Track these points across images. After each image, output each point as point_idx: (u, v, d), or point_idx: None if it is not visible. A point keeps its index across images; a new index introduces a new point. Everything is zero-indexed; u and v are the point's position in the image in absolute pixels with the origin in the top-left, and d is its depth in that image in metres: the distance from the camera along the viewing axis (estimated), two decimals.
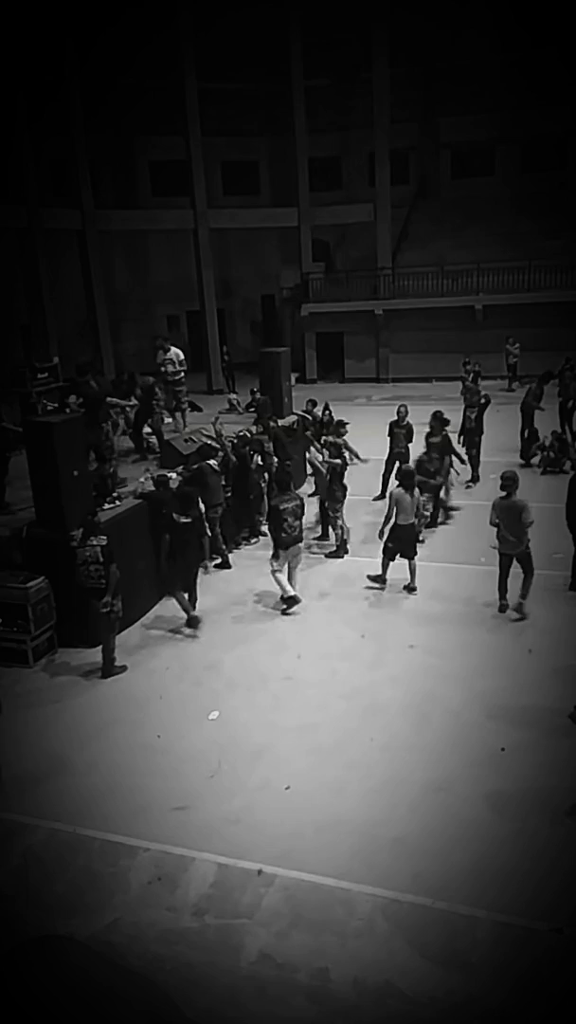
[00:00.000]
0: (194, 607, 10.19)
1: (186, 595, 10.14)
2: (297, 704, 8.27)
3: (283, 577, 10.36)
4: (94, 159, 26.95)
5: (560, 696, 7.69)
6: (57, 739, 7.90)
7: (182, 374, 14.26)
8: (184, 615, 10.10)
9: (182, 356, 14.31)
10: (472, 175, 30.54)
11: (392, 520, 10.65)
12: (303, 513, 10.58)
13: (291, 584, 10.45)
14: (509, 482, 9.72)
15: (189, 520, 9.94)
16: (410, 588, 10.74)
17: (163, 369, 14.19)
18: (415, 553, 10.81)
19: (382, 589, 10.86)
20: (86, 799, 6.94)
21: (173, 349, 14.33)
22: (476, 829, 6.26)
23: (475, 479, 15.17)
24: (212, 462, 11.66)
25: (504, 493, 9.71)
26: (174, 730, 7.91)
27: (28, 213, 24.69)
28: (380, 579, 10.89)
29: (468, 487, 14.92)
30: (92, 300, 26.97)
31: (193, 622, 10.04)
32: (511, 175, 29.99)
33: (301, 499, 10.74)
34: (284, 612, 10.34)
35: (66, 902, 5.80)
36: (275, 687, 8.63)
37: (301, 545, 10.59)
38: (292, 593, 10.33)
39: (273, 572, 10.36)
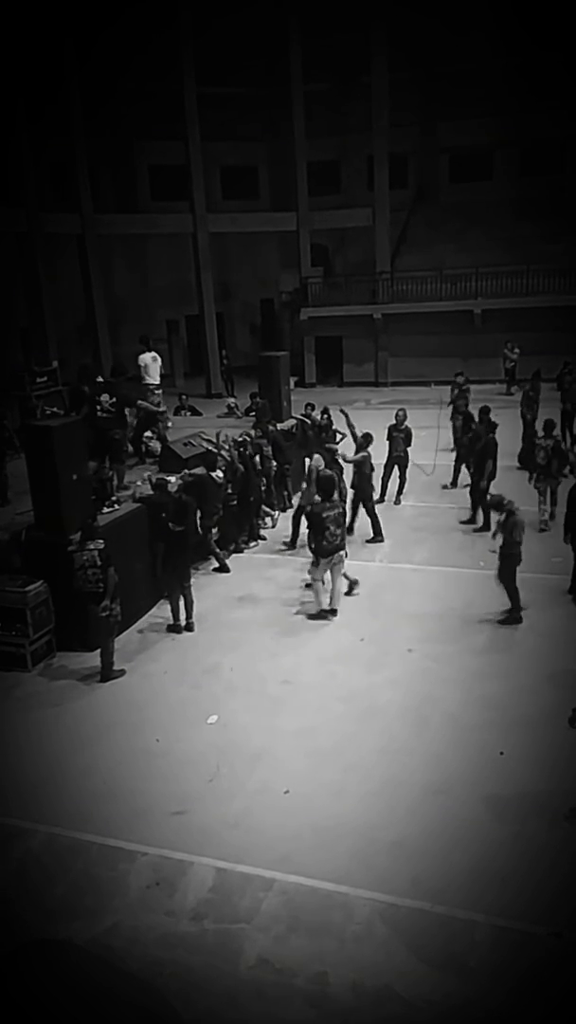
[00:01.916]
0: (190, 613, 10.19)
1: (181, 600, 10.16)
2: (296, 707, 8.28)
3: (322, 587, 10.23)
4: (93, 163, 27.00)
5: (558, 700, 7.69)
6: (56, 743, 7.90)
7: (146, 379, 14.02)
8: (175, 619, 10.24)
9: (146, 361, 13.97)
10: (471, 179, 30.56)
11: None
12: (344, 521, 10.47)
13: (337, 589, 10.34)
14: (499, 505, 9.82)
15: (182, 529, 9.96)
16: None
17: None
18: None
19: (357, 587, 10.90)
20: (85, 803, 6.94)
21: (145, 354, 14.14)
22: (475, 832, 6.27)
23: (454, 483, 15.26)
24: (217, 473, 11.67)
25: (504, 515, 9.70)
26: (173, 734, 7.91)
27: (27, 217, 24.73)
28: (353, 583, 10.88)
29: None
30: (91, 304, 27.01)
31: (174, 628, 10.15)
32: (510, 179, 29.99)
33: (342, 507, 10.61)
34: (309, 616, 10.23)
35: (66, 905, 5.81)
36: (274, 690, 8.63)
37: (342, 552, 10.33)
38: (327, 607, 10.21)
39: (313, 582, 10.23)
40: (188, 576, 10.27)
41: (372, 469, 12.80)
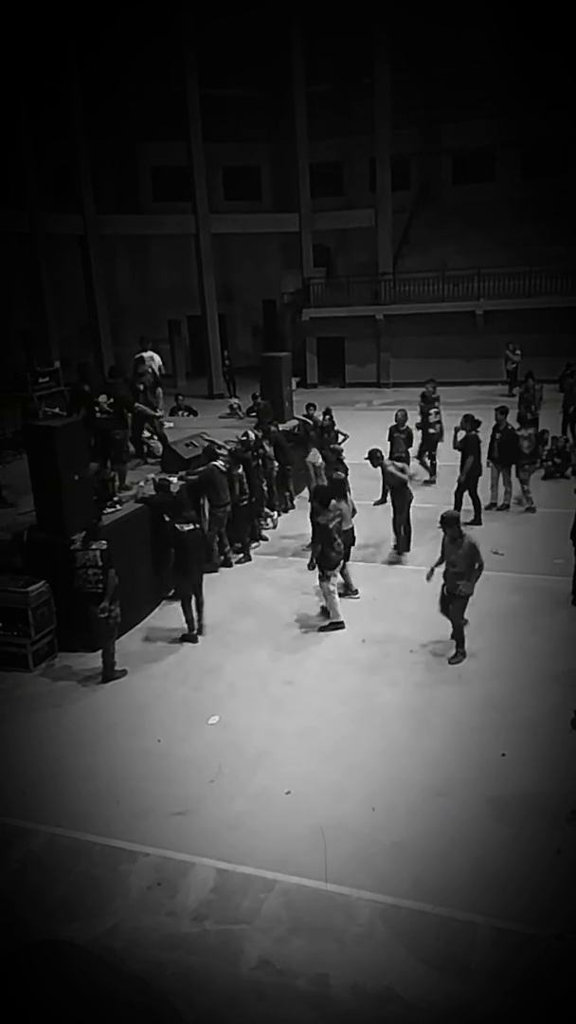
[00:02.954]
0: (201, 614, 9.99)
1: (192, 602, 9.94)
2: (297, 708, 8.28)
3: (337, 600, 10.02)
4: (96, 164, 27.01)
5: (560, 701, 7.70)
6: (57, 743, 7.91)
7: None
8: (191, 628, 9.98)
9: (147, 362, 14.03)
10: (473, 180, 30.58)
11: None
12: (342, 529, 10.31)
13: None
14: (453, 522, 8.88)
15: (189, 528, 9.74)
16: (353, 591, 10.75)
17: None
18: (348, 556, 10.68)
19: (357, 597, 10.80)
20: (86, 803, 6.95)
21: (139, 355, 14.16)
22: (476, 834, 6.27)
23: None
24: (219, 463, 11.69)
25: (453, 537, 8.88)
26: (174, 734, 7.92)
27: (30, 218, 24.75)
28: (351, 591, 10.82)
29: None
30: (93, 305, 27.02)
31: (189, 638, 9.89)
32: (512, 180, 30.00)
33: (339, 514, 10.41)
34: (321, 628, 10.04)
35: (67, 906, 5.81)
36: (275, 691, 8.64)
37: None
38: (342, 619, 10.02)
39: (329, 595, 9.99)
40: (200, 580, 9.97)
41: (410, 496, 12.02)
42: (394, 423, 14.47)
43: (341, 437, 15.11)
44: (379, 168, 28.10)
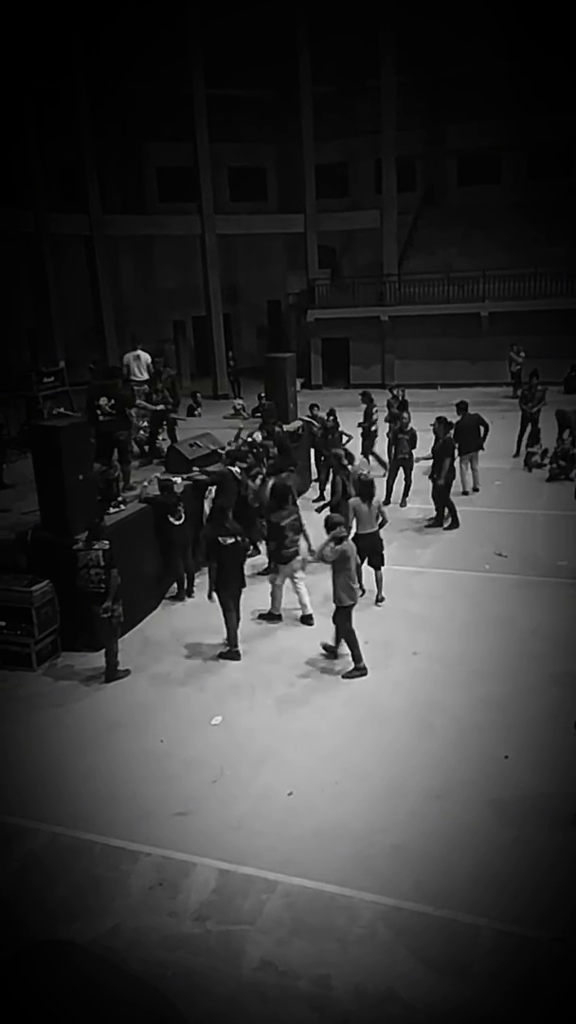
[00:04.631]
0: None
1: (233, 614, 9.51)
2: (300, 709, 8.28)
3: (280, 594, 10.20)
4: (101, 164, 27.08)
5: (561, 703, 7.70)
6: (59, 743, 7.92)
7: (132, 378, 14.03)
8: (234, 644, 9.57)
9: (128, 360, 13.97)
10: (478, 182, 30.59)
11: (352, 530, 10.45)
12: (301, 527, 10.31)
13: (303, 598, 10.22)
14: (334, 526, 8.84)
15: (231, 541, 9.37)
16: (379, 599, 10.62)
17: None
18: (381, 562, 10.64)
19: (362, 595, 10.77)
20: (88, 803, 6.95)
21: (128, 353, 14.21)
22: (477, 836, 6.26)
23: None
24: (235, 468, 11.68)
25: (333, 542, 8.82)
26: (176, 735, 7.92)
27: (35, 217, 24.84)
28: (379, 598, 10.78)
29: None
30: (99, 304, 27.09)
31: (230, 655, 9.44)
32: (517, 182, 30.02)
33: (298, 512, 10.41)
34: (260, 616, 10.23)
35: (68, 906, 5.82)
36: (278, 692, 8.63)
37: (300, 558, 10.15)
38: (279, 612, 10.23)
39: (276, 588, 10.17)
40: (238, 592, 9.53)
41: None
42: (397, 425, 14.46)
43: (345, 438, 15.11)
44: (384, 169, 28.14)
